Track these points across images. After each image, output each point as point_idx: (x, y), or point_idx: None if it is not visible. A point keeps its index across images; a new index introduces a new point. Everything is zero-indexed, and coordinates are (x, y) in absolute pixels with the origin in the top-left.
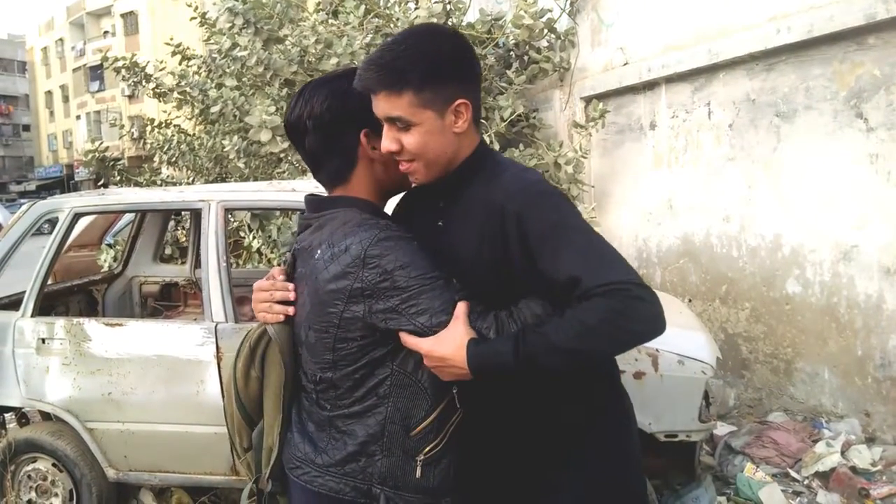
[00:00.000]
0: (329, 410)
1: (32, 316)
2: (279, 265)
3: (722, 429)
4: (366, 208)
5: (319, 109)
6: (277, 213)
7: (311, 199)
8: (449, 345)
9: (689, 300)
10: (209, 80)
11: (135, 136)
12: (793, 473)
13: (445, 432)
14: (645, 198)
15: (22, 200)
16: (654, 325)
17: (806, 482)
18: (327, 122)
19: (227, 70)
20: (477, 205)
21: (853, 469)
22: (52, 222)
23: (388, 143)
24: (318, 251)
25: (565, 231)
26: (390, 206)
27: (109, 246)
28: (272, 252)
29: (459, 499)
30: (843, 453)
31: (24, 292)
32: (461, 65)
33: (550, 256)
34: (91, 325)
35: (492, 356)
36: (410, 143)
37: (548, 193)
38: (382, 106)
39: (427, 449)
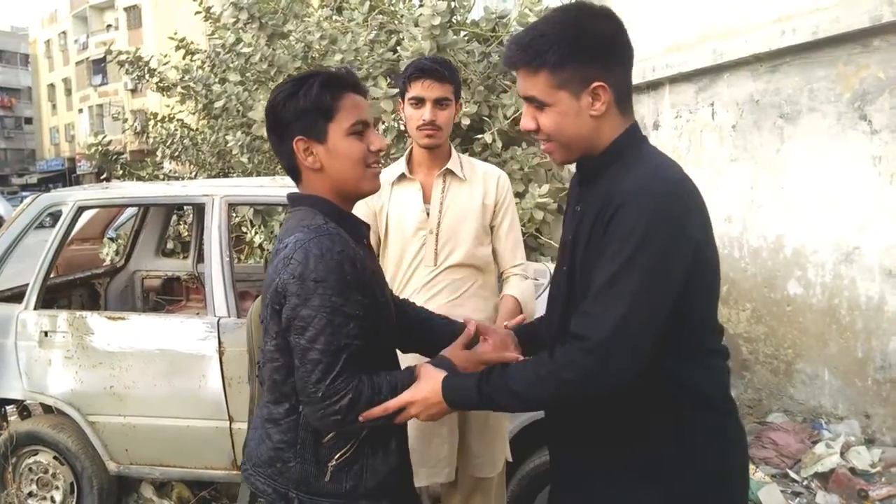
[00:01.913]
0: (262, 405)
1: (35, 309)
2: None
3: None
4: (324, 209)
5: (266, 111)
6: (280, 208)
7: (289, 195)
8: (426, 385)
9: None
10: (213, 75)
11: (137, 130)
12: (792, 474)
13: (357, 439)
14: None
15: (24, 193)
16: (594, 384)
17: (805, 483)
18: (271, 124)
19: (231, 65)
20: (603, 194)
21: (852, 470)
22: (55, 215)
23: (525, 120)
24: (274, 246)
25: (627, 251)
26: None
27: (112, 240)
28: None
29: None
30: (842, 454)
31: (26, 285)
32: (604, 47)
33: (603, 266)
34: (93, 319)
35: (459, 389)
36: (545, 124)
37: (654, 207)
38: (521, 84)
39: (338, 455)
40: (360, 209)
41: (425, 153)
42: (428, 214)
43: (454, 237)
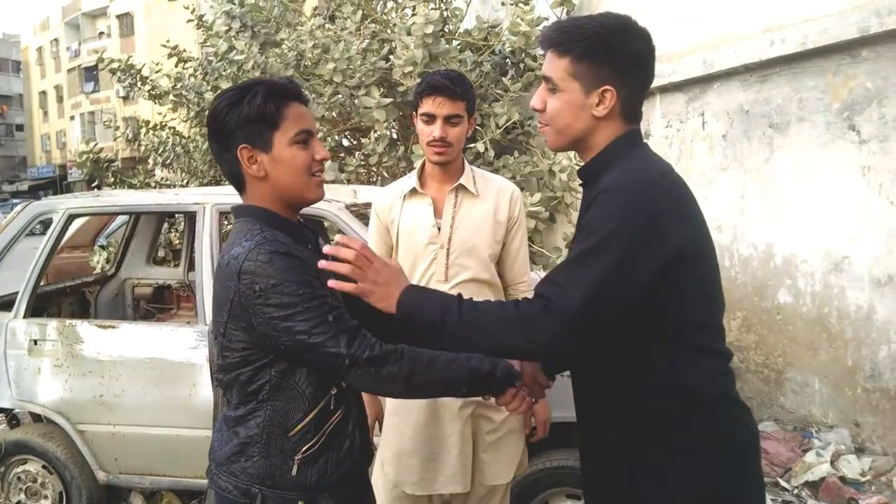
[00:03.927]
0: (227, 409)
1: (25, 317)
2: None
3: None
4: (263, 218)
5: (209, 118)
6: None
7: (232, 207)
8: (393, 275)
9: None
10: (205, 83)
11: (129, 137)
12: (782, 483)
13: (323, 432)
14: None
15: (14, 200)
16: (549, 345)
17: (795, 492)
18: (214, 132)
19: (224, 73)
20: (593, 195)
21: (842, 479)
22: (46, 223)
23: (535, 99)
24: (219, 260)
25: (599, 234)
26: None
27: (102, 247)
28: None
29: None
30: (832, 463)
31: (16, 293)
32: (627, 60)
33: (575, 246)
34: (83, 327)
35: (423, 294)
36: (550, 106)
37: (627, 198)
38: (546, 64)
39: (305, 448)
40: (373, 222)
41: (437, 168)
42: (439, 230)
43: (465, 253)
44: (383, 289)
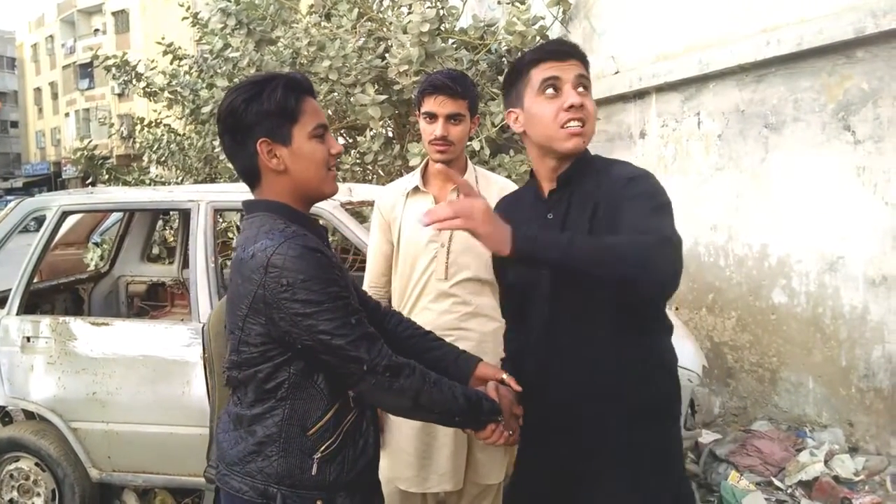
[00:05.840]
0: (240, 408)
1: (18, 314)
2: None
3: (707, 436)
4: (283, 213)
5: (224, 113)
6: None
7: (244, 202)
8: (494, 216)
9: (676, 308)
10: (200, 81)
11: (124, 134)
12: (776, 482)
13: (341, 430)
14: None
15: (8, 197)
16: (652, 265)
17: (789, 491)
18: (230, 126)
19: (219, 70)
20: (589, 197)
21: (836, 478)
22: (39, 220)
23: (577, 97)
24: (235, 254)
25: (658, 200)
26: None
27: (96, 245)
28: None
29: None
30: (826, 462)
31: (9, 290)
32: None
33: (639, 206)
34: (77, 325)
35: (545, 234)
36: (590, 105)
37: (656, 183)
38: (577, 69)
39: (323, 447)
40: (376, 219)
41: (439, 167)
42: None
43: (466, 252)
44: (490, 229)
